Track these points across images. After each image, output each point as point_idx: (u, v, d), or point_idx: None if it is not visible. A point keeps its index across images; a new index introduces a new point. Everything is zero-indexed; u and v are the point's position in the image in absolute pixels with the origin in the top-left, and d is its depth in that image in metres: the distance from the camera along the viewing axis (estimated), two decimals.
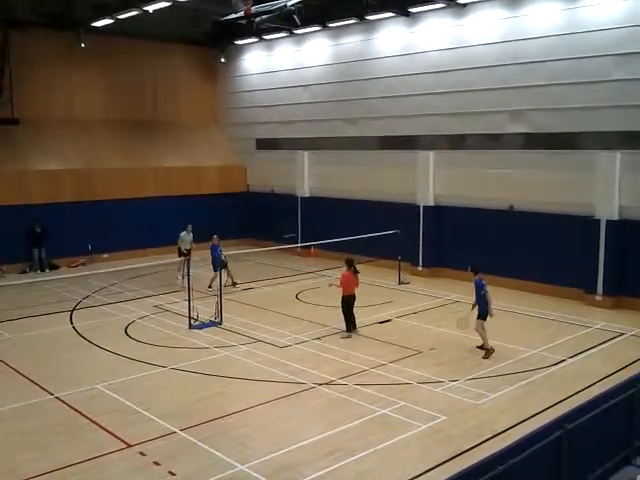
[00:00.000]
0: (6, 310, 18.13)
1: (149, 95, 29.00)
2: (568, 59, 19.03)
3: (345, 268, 15.77)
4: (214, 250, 19.93)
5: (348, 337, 15.42)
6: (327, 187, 26.59)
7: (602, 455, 8.47)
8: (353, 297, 15.65)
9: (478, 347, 14.27)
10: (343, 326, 15.80)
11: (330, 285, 15.96)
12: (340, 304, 15.75)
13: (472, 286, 14.41)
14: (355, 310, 15.88)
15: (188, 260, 17.36)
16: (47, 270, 23.81)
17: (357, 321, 16.00)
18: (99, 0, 22.67)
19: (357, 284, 15.73)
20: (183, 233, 21.84)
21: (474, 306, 14.31)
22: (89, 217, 25.04)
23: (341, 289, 15.60)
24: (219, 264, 19.22)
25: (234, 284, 21.03)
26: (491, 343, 14.35)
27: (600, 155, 18.43)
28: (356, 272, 15.69)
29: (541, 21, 19.56)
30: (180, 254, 21.47)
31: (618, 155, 18.13)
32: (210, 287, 19.92)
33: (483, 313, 14.08)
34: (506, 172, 20.71)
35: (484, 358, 13.78)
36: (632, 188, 18.04)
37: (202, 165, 29.24)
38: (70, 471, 9.25)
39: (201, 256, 21.07)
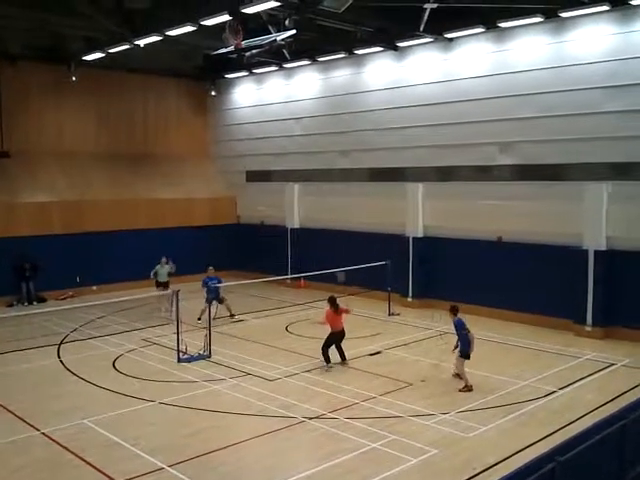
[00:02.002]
0: None
1: (140, 128, 29.15)
2: (557, 92, 19.30)
3: (328, 306, 15.71)
4: (208, 282, 20.05)
5: (329, 369, 15.26)
6: (317, 219, 26.67)
7: None
8: (340, 333, 15.51)
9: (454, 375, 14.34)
10: (334, 359, 15.67)
11: (312, 323, 15.89)
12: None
13: (462, 317, 14.38)
14: (343, 343, 15.70)
15: (176, 292, 17.02)
16: (35, 303, 23.62)
17: (347, 353, 15.90)
18: (90, 34, 22.87)
19: (341, 320, 15.53)
20: (157, 267, 21.96)
21: (456, 347, 14.29)
22: (78, 249, 24.92)
23: (327, 326, 15.59)
24: (212, 296, 19.33)
25: (232, 316, 20.94)
26: (481, 374, 14.31)
27: (588, 186, 18.60)
28: (336, 309, 15.51)
29: (528, 54, 19.90)
30: (157, 286, 21.81)
31: (605, 186, 18.31)
32: (199, 319, 19.81)
33: (464, 352, 13.99)
34: (495, 203, 20.87)
35: (460, 391, 13.69)
36: (619, 219, 18.18)
37: (192, 197, 29.29)
38: None
39: (189, 287, 20.94)
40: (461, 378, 14.05)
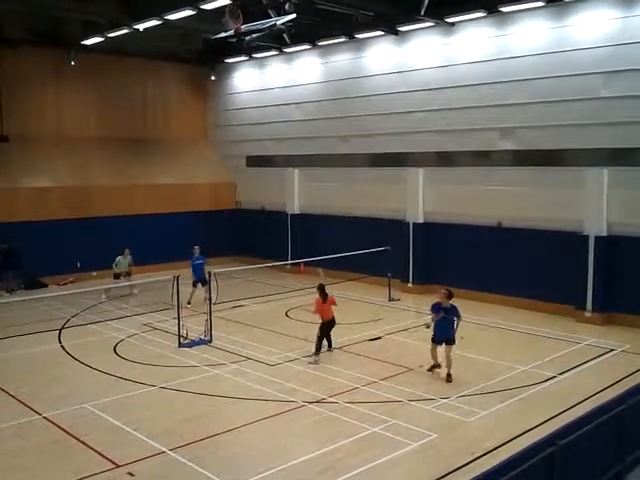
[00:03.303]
0: None
1: (139, 113, 29.02)
2: (556, 77, 19.19)
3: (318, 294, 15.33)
4: (195, 261, 20.37)
5: (314, 362, 14.84)
6: (317, 204, 26.63)
7: (594, 472, 8.44)
8: (331, 322, 15.24)
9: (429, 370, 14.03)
10: (334, 343, 15.70)
11: (311, 312, 15.58)
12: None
13: (460, 303, 14.29)
14: (333, 332, 15.46)
15: (177, 278, 16.92)
16: (21, 289, 23.32)
17: (348, 338, 15.88)
18: (90, 18, 22.73)
19: (330, 308, 15.20)
20: (119, 257, 22.18)
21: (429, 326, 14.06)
22: (78, 234, 24.90)
23: (318, 316, 15.27)
24: (198, 276, 19.72)
25: (208, 299, 20.56)
26: (482, 359, 14.34)
27: (588, 172, 18.56)
28: (325, 297, 15.15)
29: (529, 39, 19.76)
30: (115, 277, 22.16)
31: (606, 171, 18.27)
32: (189, 303, 19.84)
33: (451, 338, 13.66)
34: (495, 189, 20.82)
35: (447, 381, 13.42)
36: (620, 204, 18.16)
37: (192, 182, 29.23)
38: None
39: (188, 273, 20.89)
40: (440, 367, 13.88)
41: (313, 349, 15.09)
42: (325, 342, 15.43)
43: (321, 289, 15.30)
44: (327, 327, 15.28)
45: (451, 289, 14.12)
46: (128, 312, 20.21)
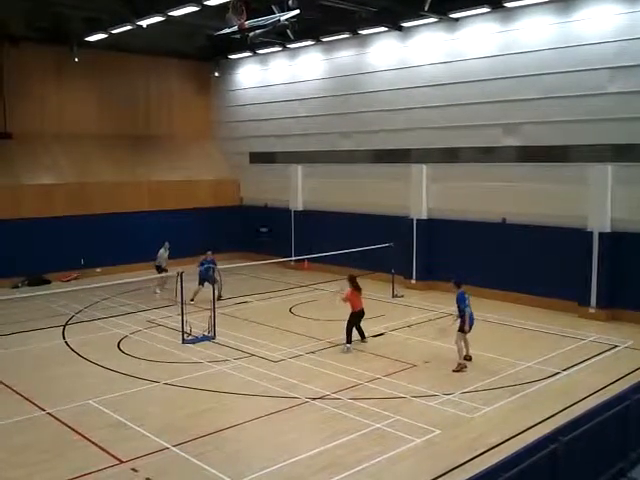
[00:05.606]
0: None
1: (142, 109, 29.04)
2: (561, 72, 19.12)
3: (348, 285, 15.70)
4: (204, 264, 20.26)
5: (347, 351, 15.24)
6: (320, 201, 26.62)
7: (597, 468, 8.43)
8: (360, 313, 15.58)
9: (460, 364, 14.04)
10: (337, 340, 15.76)
11: (336, 293, 15.77)
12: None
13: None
14: (342, 326, 15.65)
15: (180, 274, 17.02)
16: (25, 286, 23.33)
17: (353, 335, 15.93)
18: (93, 15, 22.72)
19: (360, 298, 15.61)
20: (161, 250, 22.19)
21: (456, 319, 14.28)
22: (82, 231, 24.96)
23: (349, 305, 15.57)
24: (204, 277, 19.88)
25: (219, 297, 20.59)
26: (485, 355, 14.32)
27: (592, 168, 18.51)
28: (357, 288, 15.56)
29: (534, 35, 19.68)
30: (159, 271, 21.97)
31: (610, 168, 18.21)
32: (192, 300, 19.84)
33: (459, 327, 14.03)
34: (499, 185, 20.77)
35: (454, 371, 13.61)
36: (624, 200, 18.10)
37: (195, 179, 29.25)
38: None
39: (193, 269, 20.90)
40: (462, 362, 13.98)
41: (344, 339, 15.40)
42: (357, 334, 15.71)
43: (352, 280, 15.57)
44: (357, 317, 15.54)
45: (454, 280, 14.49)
46: (132, 308, 20.22)
